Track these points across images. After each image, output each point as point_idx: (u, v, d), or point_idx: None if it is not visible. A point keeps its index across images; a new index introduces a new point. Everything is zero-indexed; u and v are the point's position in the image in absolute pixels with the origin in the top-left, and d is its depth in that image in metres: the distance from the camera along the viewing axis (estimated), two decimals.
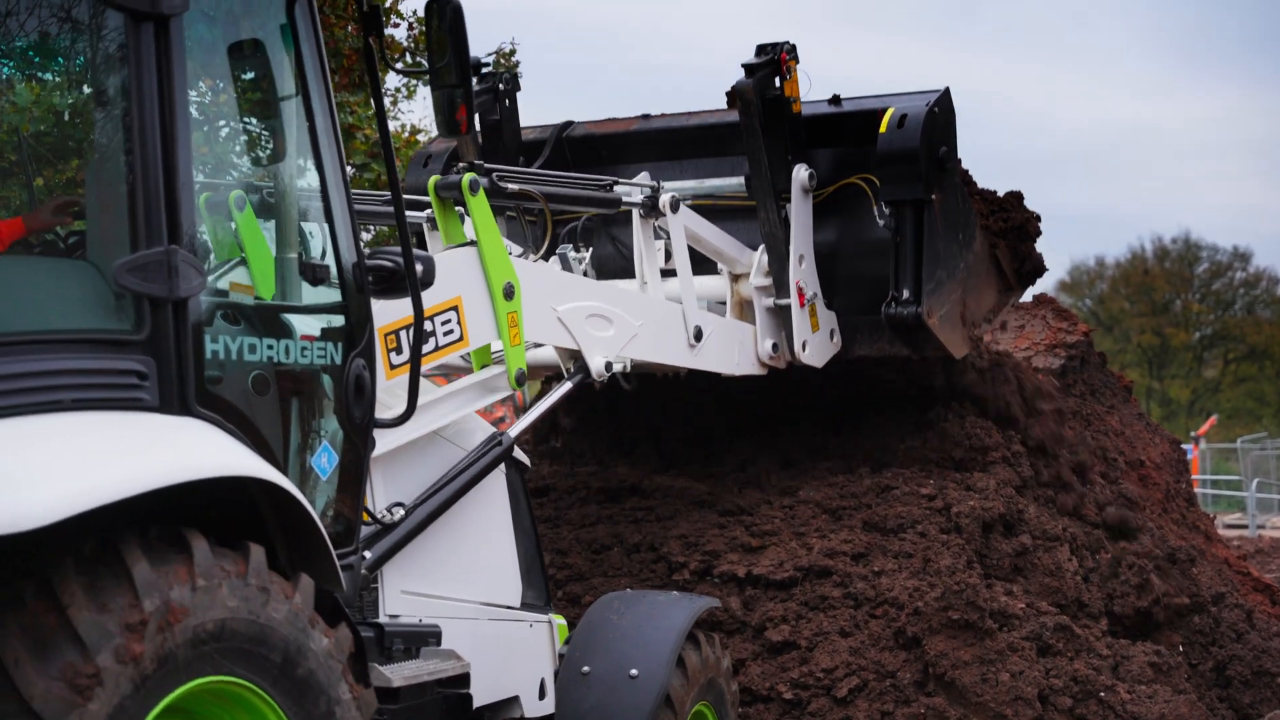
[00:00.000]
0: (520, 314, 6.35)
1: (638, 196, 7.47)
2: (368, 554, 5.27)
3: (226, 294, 4.56)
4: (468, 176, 6.26)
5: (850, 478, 8.67)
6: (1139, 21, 73.00)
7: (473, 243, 6.25)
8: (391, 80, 18.83)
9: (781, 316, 8.18)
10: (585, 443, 9.58)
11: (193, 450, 4.10)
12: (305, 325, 4.81)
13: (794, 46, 8.10)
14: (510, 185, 6.73)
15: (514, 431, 6.38)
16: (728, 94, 8.52)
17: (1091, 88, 70.39)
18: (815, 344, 8.28)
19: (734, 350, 7.96)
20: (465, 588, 6.02)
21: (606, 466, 9.19)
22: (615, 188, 7.46)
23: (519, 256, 6.62)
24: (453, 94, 5.15)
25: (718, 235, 8.02)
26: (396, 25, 17.78)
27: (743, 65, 8.03)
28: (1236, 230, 79.97)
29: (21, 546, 3.56)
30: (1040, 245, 9.46)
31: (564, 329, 6.74)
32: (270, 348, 4.58)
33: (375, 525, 5.51)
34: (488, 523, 6.24)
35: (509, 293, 6.29)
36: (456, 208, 6.46)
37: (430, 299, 5.63)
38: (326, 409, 4.84)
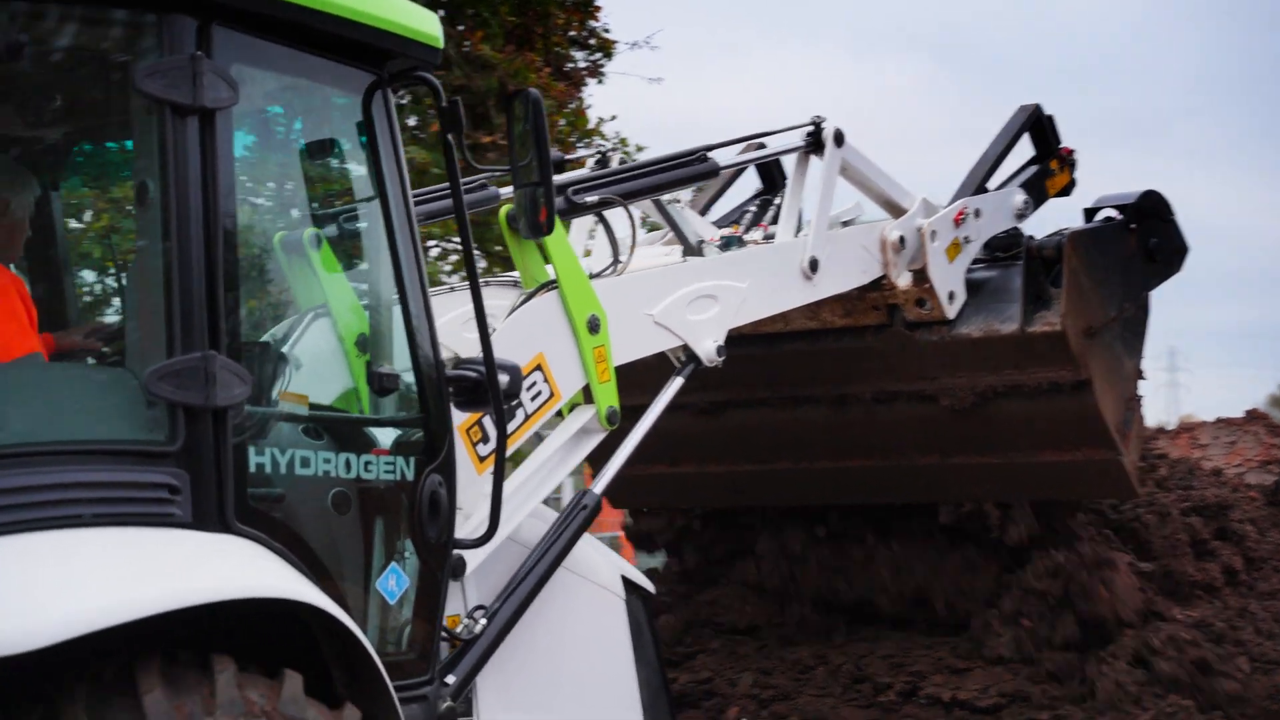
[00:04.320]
0: (608, 346, 5.69)
1: (798, 140, 7.04)
2: (451, 678, 4.77)
3: (276, 403, 4.23)
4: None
5: None
6: None
7: (552, 283, 5.64)
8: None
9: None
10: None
11: (223, 570, 3.75)
12: (374, 438, 4.47)
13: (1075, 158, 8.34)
14: (589, 198, 6.07)
15: (599, 486, 5.65)
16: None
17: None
18: (943, 265, 7.37)
19: (859, 257, 7.17)
20: None
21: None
22: (772, 139, 7.12)
23: (599, 275, 5.94)
24: (535, 193, 4.73)
25: (880, 174, 7.39)
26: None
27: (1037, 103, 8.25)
28: None
29: (31, 670, 3.31)
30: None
31: (665, 331, 6.13)
32: (328, 461, 4.24)
33: (456, 644, 4.92)
34: (606, 652, 5.73)
35: (594, 326, 5.63)
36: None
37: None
38: (395, 528, 4.46)
